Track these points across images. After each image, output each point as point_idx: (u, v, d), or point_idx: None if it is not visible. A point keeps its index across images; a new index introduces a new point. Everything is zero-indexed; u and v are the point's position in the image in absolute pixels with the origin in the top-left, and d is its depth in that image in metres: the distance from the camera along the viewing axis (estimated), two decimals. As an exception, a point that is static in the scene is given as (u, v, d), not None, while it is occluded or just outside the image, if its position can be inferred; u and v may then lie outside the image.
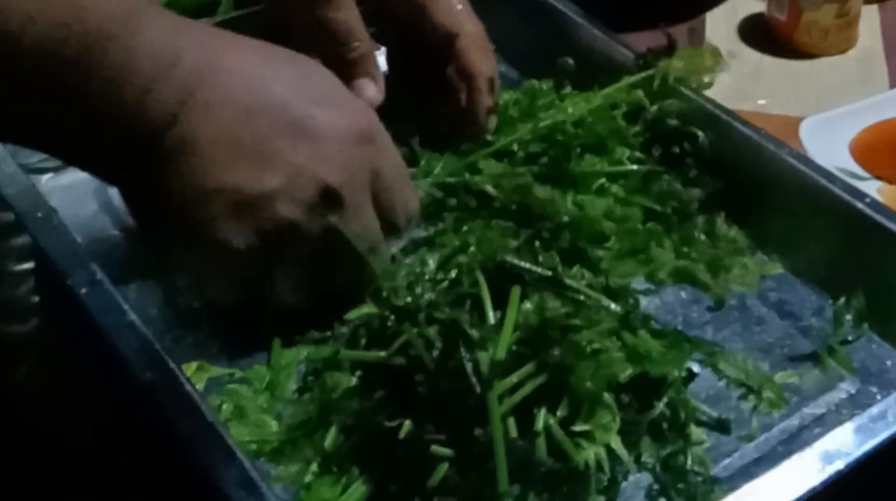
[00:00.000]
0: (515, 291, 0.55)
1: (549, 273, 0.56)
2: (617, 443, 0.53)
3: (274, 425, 0.59)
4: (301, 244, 0.59)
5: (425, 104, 0.78)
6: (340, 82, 0.62)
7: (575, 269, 0.58)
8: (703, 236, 0.71)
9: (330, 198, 0.58)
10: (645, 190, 0.73)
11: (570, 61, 0.80)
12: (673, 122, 0.74)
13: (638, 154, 0.73)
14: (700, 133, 0.73)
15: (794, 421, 0.61)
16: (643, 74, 0.76)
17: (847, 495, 0.52)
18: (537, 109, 0.77)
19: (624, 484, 0.56)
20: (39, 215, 0.66)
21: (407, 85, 0.78)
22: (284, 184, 0.56)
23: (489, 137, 0.76)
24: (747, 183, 0.72)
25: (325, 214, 0.58)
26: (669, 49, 0.76)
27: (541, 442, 0.52)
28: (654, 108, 0.75)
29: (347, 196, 0.59)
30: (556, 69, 0.81)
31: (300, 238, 0.58)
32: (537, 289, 0.56)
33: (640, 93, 0.75)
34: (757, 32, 1.01)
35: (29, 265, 0.75)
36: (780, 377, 0.62)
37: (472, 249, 0.61)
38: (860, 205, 0.66)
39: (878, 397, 0.62)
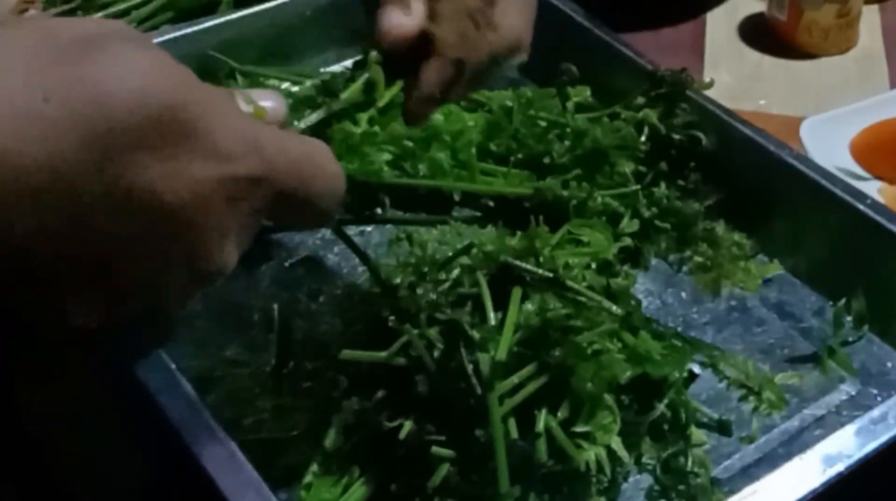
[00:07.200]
0: (516, 292, 0.55)
1: (550, 274, 0.56)
2: (617, 444, 0.53)
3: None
4: None
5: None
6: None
7: (576, 270, 0.58)
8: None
9: None
10: (646, 206, 0.71)
11: (573, 68, 0.79)
12: (677, 135, 0.73)
13: (642, 168, 0.72)
14: (703, 137, 0.73)
15: (794, 423, 0.61)
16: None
17: (847, 497, 0.52)
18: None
19: (624, 485, 0.56)
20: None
21: None
22: None
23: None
24: (748, 184, 0.72)
25: None
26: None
27: (541, 443, 0.52)
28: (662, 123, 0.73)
29: None
30: (559, 75, 0.80)
31: None
32: (538, 290, 0.56)
33: (653, 116, 0.74)
34: (757, 32, 1.01)
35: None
36: (780, 378, 0.62)
37: (473, 250, 0.61)
38: (861, 206, 0.66)
39: (879, 398, 0.62)
